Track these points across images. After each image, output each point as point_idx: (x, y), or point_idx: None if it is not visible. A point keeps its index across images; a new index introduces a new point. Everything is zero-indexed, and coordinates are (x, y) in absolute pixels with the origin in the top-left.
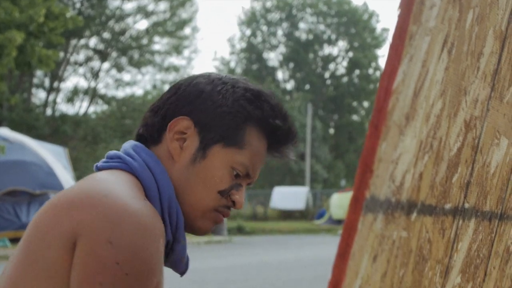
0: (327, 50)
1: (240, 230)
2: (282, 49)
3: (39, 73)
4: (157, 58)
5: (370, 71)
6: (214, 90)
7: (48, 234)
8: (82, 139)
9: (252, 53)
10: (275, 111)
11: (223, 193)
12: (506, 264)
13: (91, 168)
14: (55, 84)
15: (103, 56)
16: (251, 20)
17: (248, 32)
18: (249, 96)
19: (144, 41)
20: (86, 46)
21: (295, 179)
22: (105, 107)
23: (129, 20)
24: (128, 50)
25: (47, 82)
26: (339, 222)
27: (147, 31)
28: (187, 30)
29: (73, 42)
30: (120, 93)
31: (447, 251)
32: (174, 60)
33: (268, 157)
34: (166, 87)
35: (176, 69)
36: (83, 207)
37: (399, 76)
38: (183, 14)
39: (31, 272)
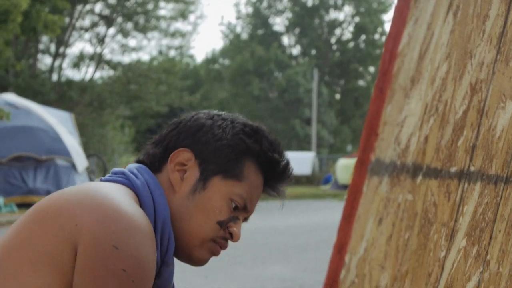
0: (333, 15)
1: None
2: (288, 14)
3: (44, 38)
4: (163, 24)
5: (376, 36)
6: (215, 124)
7: (47, 224)
8: (88, 105)
9: (258, 18)
10: (273, 146)
11: (222, 224)
12: (511, 228)
13: (97, 133)
14: (61, 49)
15: (108, 21)
16: None
17: None
18: (248, 131)
19: (150, 6)
20: (92, 12)
21: (301, 145)
22: (111, 72)
23: None
24: (134, 16)
25: (52, 47)
26: (345, 187)
27: None
28: None
29: (79, 7)
30: (126, 59)
31: (452, 215)
32: (180, 25)
33: (263, 194)
34: (172, 53)
35: (182, 34)
36: (84, 204)
37: (404, 38)
38: None
39: (24, 256)
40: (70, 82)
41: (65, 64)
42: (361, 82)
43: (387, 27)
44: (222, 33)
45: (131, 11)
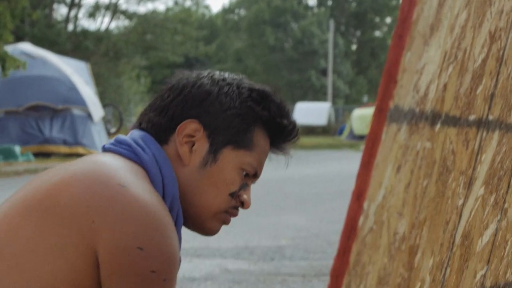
0: None
1: None
2: None
3: None
4: None
5: None
6: (221, 91)
7: (58, 214)
8: (104, 55)
9: None
10: (281, 110)
11: (233, 195)
12: None
13: (113, 83)
14: None
15: None
16: None
17: None
18: (255, 97)
19: None
20: None
21: (316, 95)
22: (126, 22)
23: None
24: None
25: None
26: (360, 137)
27: None
28: None
29: None
30: (142, 9)
31: (470, 163)
32: None
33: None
34: (188, 3)
35: None
36: (99, 197)
37: None
38: None
39: (32, 245)
40: (85, 32)
41: (80, 14)
42: (377, 33)
43: None
44: None
45: None
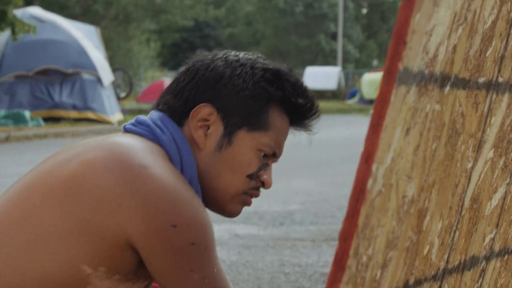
0: None
1: None
2: None
3: None
4: None
5: None
6: (234, 73)
7: (82, 195)
8: (113, 19)
9: None
10: (296, 89)
11: (252, 176)
12: None
13: (123, 47)
14: None
15: None
16: None
17: None
18: (268, 77)
19: None
20: None
21: (326, 60)
22: None
23: None
24: None
25: None
26: (370, 102)
27: None
28: None
29: None
30: None
31: (480, 126)
32: None
33: (291, 132)
34: None
35: None
36: (123, 179)
37: None
38: None
39: (55, 224)
40: None
41: None
42: None
43: None
44: None
45: None
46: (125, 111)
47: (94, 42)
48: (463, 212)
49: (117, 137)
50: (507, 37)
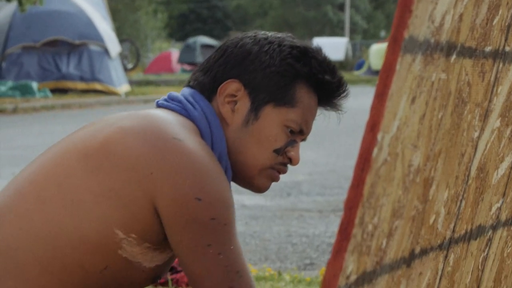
0: None
1: None
2: None
3: None
4: None
5: None
6: (261, 50)
7: (116, 162)
8: None
9: None
10: (323, 67)
11: (279, 151)
12: None
13: (130, 18)
14: None
15: None
16: None
17: None
18: (296, 54)
19: None
20: None
21: (334, 30)
22: None
23: None
24: None
25: None
26: (377, 72)
27: None
28: None
29: None
30: None
31: (486, 95)
32: None
33: (320, 110)
34: None
35: None
36: (157, 149)
37: None
38: None
39: (88, 186)
40: None
41: None
42: None
43: None
44: None
45: None
46: (132, 82)
47: (102, 13)
48: (470, 181)
49: (149, 110)
50: None
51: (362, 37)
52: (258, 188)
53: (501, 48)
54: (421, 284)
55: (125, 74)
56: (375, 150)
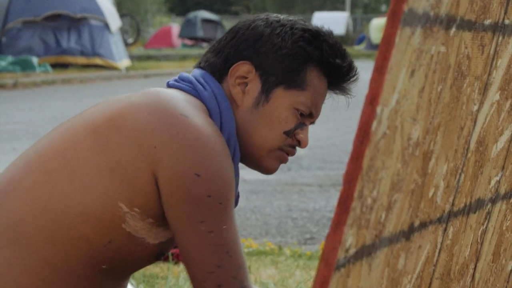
0: None
1: None
2: None
3: None
4: None
5: None
6: (273, 33)
7: (123, 135)
8: None
9: None
10: (334, 50)
11: (289, 133)
12: None
13: None
14: None
15: None
16: None
17: None
18: (307, 37)
19: None
20: None
21: (335, 5)
22: None
23: None
24: None
25: None
26: (378, 47)
27: None
28: None
29: None
30: None
31: (486, 68)
32: None
33: (330, 94)
34: None
35: None
36: (163, 124)
37: None
38: None
39: (94, 160)
40: None
41: None
42: None
43: None
44: None
45: None
46: (132, 57)
47: None
48: (469, 154)
49: (159, 88)
50: None
51: (363, 11)
52: (267, 169)
53: (500, 21)
54: (420, 257)
55: (126, 49)
56: (374, 124)
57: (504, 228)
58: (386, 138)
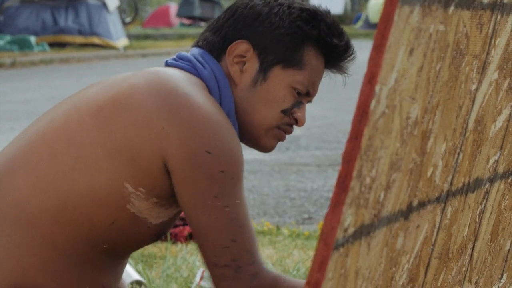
0: None
1: None
2: None
3: None
4: None
5: None
6: (271, 12)
7: (129, 116)
8: None
9: None
10: (331, 30)
11: (286, 112)
12: None
13: None
14: None
15: None
16: None
17: None
18: (305, 16)
19: None
20: None
21: None
22: None
23: None
24: None
25: None
26: (376, 25)
27: None
28: None
29: None
30: None
31: (484, 47)
32: None
33: (326, 73)
34: None
35: None
36: (169, 105)
37: None
38: None
39: (100, 142)
40: None
41: None
42: None
43: None
44: None
45: None
46: (130, 36)
47: None
48: (467, 134)
49: (160, 68)
50: None
51: None
52: (265, 147)
53: None
54: (419, 236)
55: (123, 28)
56: (373, 103)
57: (502, 207)
58: (384, 117)
